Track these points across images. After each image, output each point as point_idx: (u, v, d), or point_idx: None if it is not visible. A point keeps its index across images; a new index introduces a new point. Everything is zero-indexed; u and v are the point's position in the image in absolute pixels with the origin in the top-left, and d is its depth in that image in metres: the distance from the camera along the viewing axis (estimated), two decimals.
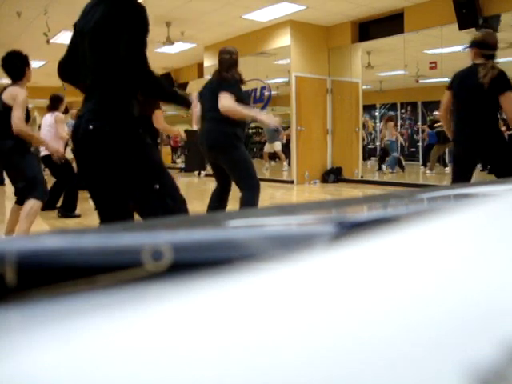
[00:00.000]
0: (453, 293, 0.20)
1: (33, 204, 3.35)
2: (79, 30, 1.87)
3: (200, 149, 3.26)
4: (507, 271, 0.24)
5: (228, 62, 3.08)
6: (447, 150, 9.26)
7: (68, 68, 1.96)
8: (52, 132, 4.75)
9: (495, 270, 0.24)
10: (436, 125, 8.85)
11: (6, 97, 3.33)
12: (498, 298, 0.20)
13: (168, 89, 1.96)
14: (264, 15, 7.57)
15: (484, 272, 0.23)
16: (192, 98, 1.99)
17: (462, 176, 3.13)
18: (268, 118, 3.20)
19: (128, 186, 1.86)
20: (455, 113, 3.15)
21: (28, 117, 3.46)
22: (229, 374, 0.13)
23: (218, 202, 3.27)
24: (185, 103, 1.99)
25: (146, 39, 1.73)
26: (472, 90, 2.99)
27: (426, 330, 0.17)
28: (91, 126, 1.75)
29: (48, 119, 4.87)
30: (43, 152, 4.79)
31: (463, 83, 3.06)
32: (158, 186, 1.81)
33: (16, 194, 3.61)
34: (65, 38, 8.10)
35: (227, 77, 3.03)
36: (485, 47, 3.05)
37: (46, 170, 5.01)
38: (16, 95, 3.29)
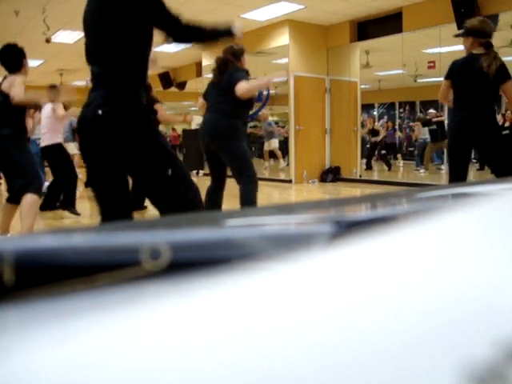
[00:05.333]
0: (450, 291, 0.20)
1: (31, 199, 3.23)
2: (84, 19, 1.87)
3: (200, 141, 3.27)
4: (504, 270, 0.24)
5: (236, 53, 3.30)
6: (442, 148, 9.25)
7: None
8: (51, 125, 4.63)
9: (492, 269, 0.24)
10: (435, 119, 8.78)
11: (4, 86, 3.26)
12: (495, 297, 0.20)
13: (210, 28, 1.97)
14: (262, 14, 7.57)
15: (481, 271, 0.23)
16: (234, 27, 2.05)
17: (458, 169, 3.09)
18: (274, 75, 3.65)
19: (139, 173, 1.83)
20: (455, 101, 3.10)
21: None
22: (227, 373, 0.13)
23: (213, 199, 3.28)
24: (229, 33, 2.04)
25: None
26: (474, 79, 2.93)
27: (423, 329, 0.17)
28: (100, 112, 1.73)
29: (47, 110, 4.74)
30: (43, 143, 4.66)
31: (464, 73, 2.99)
32: (170, 172, 1.78)
33: (9, 190, 3.44)
34: (62, 37, 8.08)
35: (238, 66, 3.24)
36: (483, 36, 2.98)
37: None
38: (14, 80, 3.23)
